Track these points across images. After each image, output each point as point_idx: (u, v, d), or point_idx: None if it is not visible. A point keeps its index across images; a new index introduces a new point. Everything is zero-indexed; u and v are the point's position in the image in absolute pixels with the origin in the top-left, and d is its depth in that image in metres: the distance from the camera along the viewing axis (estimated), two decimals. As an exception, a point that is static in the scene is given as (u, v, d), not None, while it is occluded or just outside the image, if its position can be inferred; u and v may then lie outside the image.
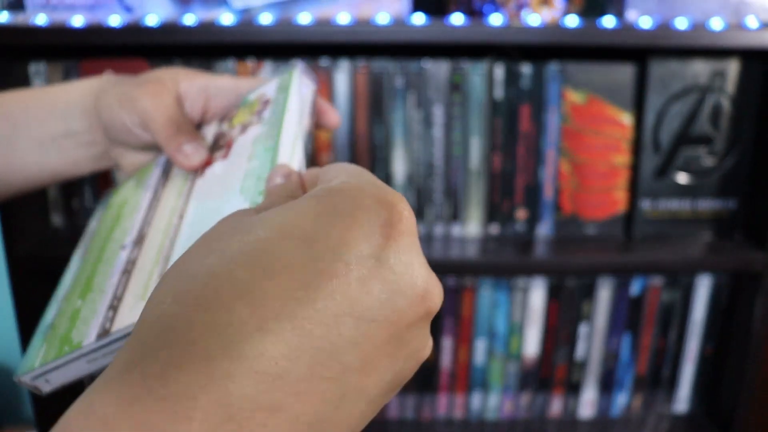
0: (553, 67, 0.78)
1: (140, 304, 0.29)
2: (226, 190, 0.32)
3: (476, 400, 0.90)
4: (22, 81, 0.76)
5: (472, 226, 0.83)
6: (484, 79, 0.77)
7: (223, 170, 0.35)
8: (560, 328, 0.86)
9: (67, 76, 0.77)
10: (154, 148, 0.41)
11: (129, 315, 0.29)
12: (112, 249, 0.35)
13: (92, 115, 0.40)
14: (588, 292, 0.85)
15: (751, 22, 0.72)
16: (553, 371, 0.88)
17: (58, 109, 0.41)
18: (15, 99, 0.42)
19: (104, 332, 0.28)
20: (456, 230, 0.83)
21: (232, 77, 0.43)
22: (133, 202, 0.39)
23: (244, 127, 0.37)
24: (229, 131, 0.39)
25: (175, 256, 0.30)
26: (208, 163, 0.37)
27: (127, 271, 0.32)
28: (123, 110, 0.39)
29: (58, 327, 0.31)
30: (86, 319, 0.30)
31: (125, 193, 0.41)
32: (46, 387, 0.30)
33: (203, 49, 0.76)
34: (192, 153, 0.38)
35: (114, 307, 0.30)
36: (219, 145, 0.38)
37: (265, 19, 0.70)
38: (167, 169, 0.40)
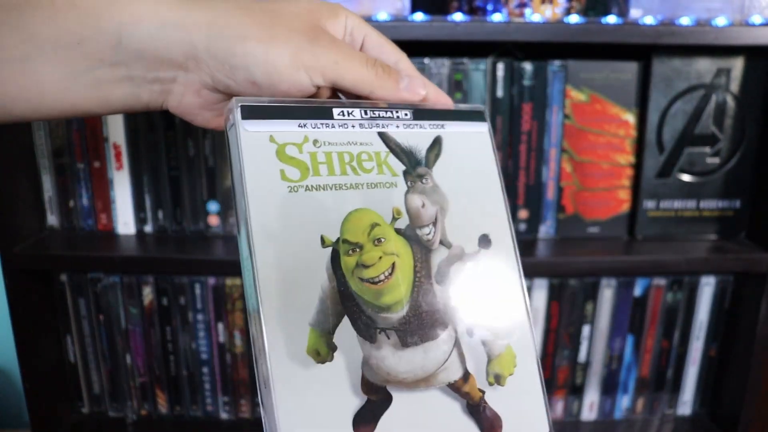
0: (555, 65, 0.77)
1: None
2: None
3: (477, 402, 0.88)
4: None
5: (474, 226, 0.82)
6: (486, 77, 0.77)
7: None
8: (562, 330, 0.85)
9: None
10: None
11: None
12: None
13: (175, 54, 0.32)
14: (590, 293, 0.84)
15: (756, 20, 0.72)
16: (555, 373, 0.87)
17: (107, 34, 0.31)
18: (40, 6, 0.30)
19: None
20: (457, 230, 0.82)
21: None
22: None
23: None
24: None
25: None
26: None
27: None
28: (301, 71, 0.32)
29: None
30: None
31: None
32: None
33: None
34: (413, 84, 0.35)
35: None
36: None
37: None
38: None
